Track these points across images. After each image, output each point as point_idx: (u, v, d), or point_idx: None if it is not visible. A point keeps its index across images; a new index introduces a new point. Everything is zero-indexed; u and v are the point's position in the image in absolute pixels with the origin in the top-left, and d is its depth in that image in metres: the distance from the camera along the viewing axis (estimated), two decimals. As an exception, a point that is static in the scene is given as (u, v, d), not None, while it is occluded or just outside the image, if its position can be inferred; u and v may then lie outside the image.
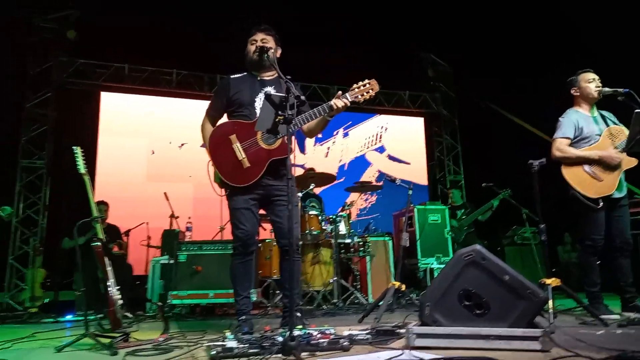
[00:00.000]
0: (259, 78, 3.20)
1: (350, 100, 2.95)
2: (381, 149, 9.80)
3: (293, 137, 2.92)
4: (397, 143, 9.94)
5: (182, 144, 8.37)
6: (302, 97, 2.80)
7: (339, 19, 8.12)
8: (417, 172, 9.74)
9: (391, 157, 9.80)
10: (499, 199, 6.48)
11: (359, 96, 2.96)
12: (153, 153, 8.27)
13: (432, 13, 8.23)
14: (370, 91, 2.97)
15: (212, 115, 3.25)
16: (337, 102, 2.93)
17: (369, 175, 9.41)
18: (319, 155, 9.25)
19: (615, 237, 3.62)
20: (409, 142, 10.06)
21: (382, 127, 9.91)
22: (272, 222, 3.18)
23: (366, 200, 9.17)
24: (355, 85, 3.00)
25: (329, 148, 9.43)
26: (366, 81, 2.98)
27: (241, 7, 7.48)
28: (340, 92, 2.97)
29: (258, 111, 3.05)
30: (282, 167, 3.03)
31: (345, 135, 9.61)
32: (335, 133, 9.48)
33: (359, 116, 9.74)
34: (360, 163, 9.56)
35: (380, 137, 9.84)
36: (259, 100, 3.10)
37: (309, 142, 9.25)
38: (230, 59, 6.56)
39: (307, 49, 7.28)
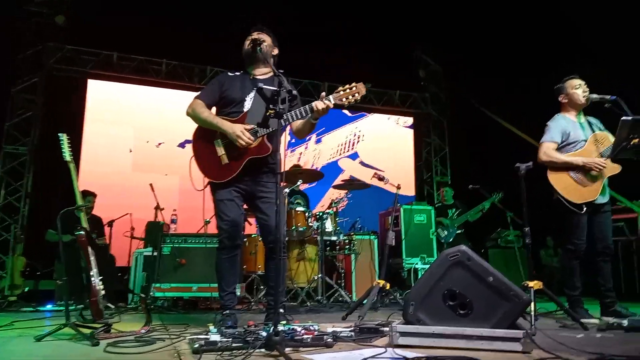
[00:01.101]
0: (252, 77, 3.17)
1: (333, 102, 2.87)
2: (354, 156, 9.74)
3: (265, 140, 2.94)
4: (372, 149, 9.85)
5: (160, 143, 8.27)
6: (294, 92, 2.79)
7: (332, 17, 8.11)
8: (394, 176, 9.54)
9: (363, 164, 9.70)
10: (491, 201, 6.50)
11: (344, 99, 2.88)
12: (131, 151, 8.16)
13: (425, 13, 8.25)
14: (356, 95, 2.87)
15: (205, 100, 3.11)
16: (318, 104, 2.86)
17: (340, 181, 9.26)
18: (292, 160, 9.10)
19: (596, 242, 3.68)
20: (384, 148, 9.95)
21: (355, 135, 9.85)
22: (258, 220, 3.17)
23: (336, 197, 9.05)
24: (340, 88, 2.91)
25: (301, 153, 9.31)
26: (353, 84, 2.89)
27: (236, 1, 7.45)
28: (323, 94, 2.89)
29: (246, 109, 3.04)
30: (261, 165, 3.03)
31: (318, 141, 9.51)
32: (307, 139, 9.32)
33: (333, 123, 9.64)
34: (333, 169, 9.42)
35: (354, 144, 9.78)
36: (249, 99, 3.07)
37: (281, 147, 9.11)
38: (221, 50, 6.56)
39: (299, 45, 7.25)
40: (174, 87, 8.59)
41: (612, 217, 3.86)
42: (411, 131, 10.39)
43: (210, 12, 7.83)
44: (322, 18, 8.08)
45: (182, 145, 8.18)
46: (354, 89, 2.89)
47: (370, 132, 9.99)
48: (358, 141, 9.84)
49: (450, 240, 6.68)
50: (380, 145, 9.97)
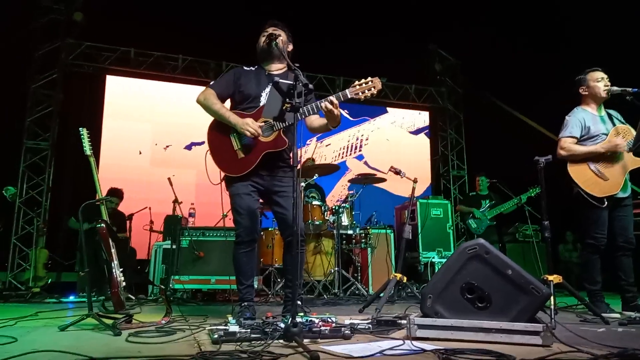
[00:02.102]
0: (267, 73, 3.18)
1: (350, 96, 2.87)
2: (359, 158, 9.60)
3: (281, 133, 2.94)
4: (377, 153, 9.67)
5: (167, 146, 8.31)
6: (310, 86, 2.78)
7: (347, 10, 8.08)
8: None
9: (368, 166, 9.51)
10: (528, 195, 6.37)
11: (360, 93, 2.86)
12: (140, 153, 8.21)
13: (441, 6, 8.17)
14: (372, 89, 2.86)
15: (218, 91, 3.12)
16: (326, 105, 2.83)
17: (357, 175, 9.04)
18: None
19: (617, 236, 3.62)
20: (389, 152, 9.76)
21: (357, 139, 9.67)
22: (275, 214, 3.17)
23: (337, 200, 8.91)
24: (356, 82, 2.90)
25: (300, 156, 9.04)
26: (369, 79, 2.88)
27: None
28: (331, 99, 2.86)
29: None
30: (278, 160, 3.04)
31: (320, 145, 9.33)
32: (307, 143, 9.08)
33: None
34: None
35: (356, 148, 9.59)
36: (265, 94, 3.07)
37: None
38: (237, 45, 6.59)
39: (314, 40, 7.26)
40: (190, 82, 8.65)
41: (633, 211, 3.79)
42: (415, 136, 10.18)
43: (225, 7, 7.86)
44: (337, 12, 8.05)
45: (188, 147, 8.24)
46: (370, 83, 2.88)
47: (374, 136, 9.81)
48: (361, 145, 9.70)
49: (481, 232, 6.59)
50: (385, 149, 9.79)
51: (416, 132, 10.24)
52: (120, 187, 6.34)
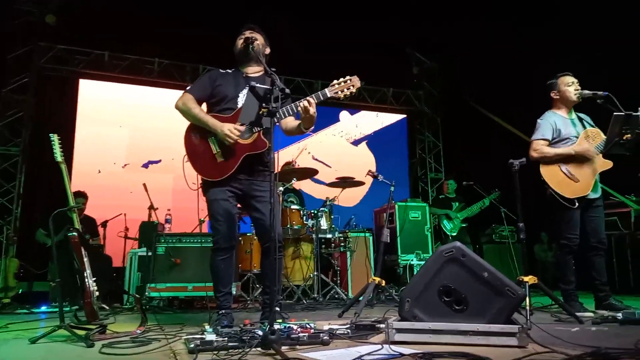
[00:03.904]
0: (244, 75, 3.16)
1: (329, 95, 2.90)
2: None
3: (261, 135, 2.92)
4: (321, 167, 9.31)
5: (125, 165, 8.05)
6: (287, 90, 2.78)
7: (325, 13, 8.09)
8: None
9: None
10: (490, 199, 6.57)
11: (339, 92, 2.89)
12: (99, 172, 7.91)
13: (418, 10, 8.25)
14: (351, 87, 2.89)
15: (196, 95, 3.08)
16: (302, 103, 2.85)
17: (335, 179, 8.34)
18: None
19: (590, 237, 3.71)
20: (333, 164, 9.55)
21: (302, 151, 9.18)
22: (253, 219, 3.15)
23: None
24: (335, 81, 2.92)
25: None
26: (347, 77, 2.91)
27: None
28: (309, 98, 2.88)
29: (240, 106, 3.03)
30: (257, 163, 3.02)
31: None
32: None
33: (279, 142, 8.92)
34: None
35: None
36: (242, 96, 3.06)
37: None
38: (214, 49, 6.53)
39: (292, 43, 7.25)
40: (166, 86, 8.52)
41: (605, 211, 3.89)
42: (355, 147, 9.98)
43: (202, 11, 7.79)
44: (315, 15, 8.06)
45: (145, 165, 8.10)
46: (349, 82, 2.91)
47: (317, 149, 9.57)
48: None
49: (456, 233, 6.75)
50: (330, 161, 9.58)
51: (355, 143, 10.02)
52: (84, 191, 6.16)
